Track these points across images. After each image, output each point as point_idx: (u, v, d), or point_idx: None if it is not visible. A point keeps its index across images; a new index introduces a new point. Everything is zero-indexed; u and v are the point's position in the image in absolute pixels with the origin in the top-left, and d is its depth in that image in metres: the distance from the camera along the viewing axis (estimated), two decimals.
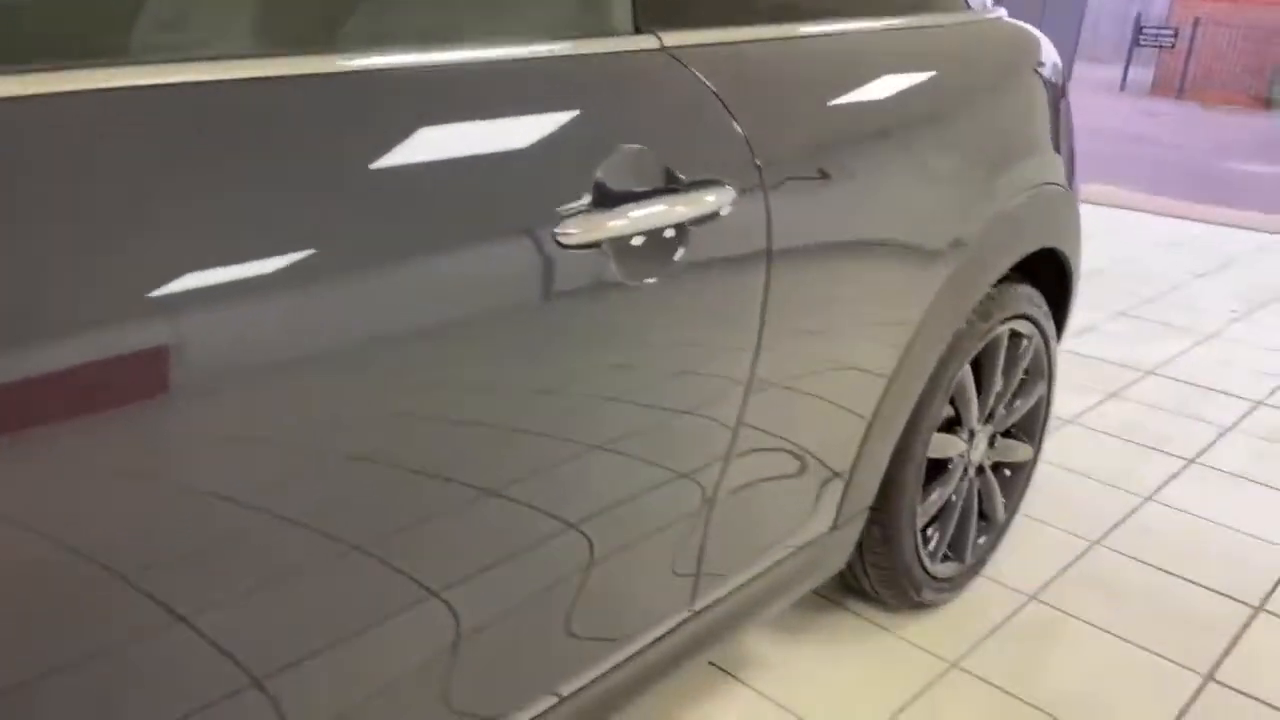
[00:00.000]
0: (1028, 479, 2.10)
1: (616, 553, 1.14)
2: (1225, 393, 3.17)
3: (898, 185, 1.37)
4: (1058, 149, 1.88)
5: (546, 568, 1.06)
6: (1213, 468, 2.64)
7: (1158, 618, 1.97)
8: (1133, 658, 1.85)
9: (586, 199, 0.97)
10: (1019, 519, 2.27)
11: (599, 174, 0.98)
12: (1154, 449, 2.73)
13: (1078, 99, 12.32)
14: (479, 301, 0.88)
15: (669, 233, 1.04)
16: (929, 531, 1.86)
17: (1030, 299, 1.84)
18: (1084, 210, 5.94)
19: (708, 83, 1.13)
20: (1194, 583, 2.10)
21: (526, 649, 1.09)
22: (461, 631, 0.99)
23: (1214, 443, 2.79)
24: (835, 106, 1.29)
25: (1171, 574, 2.13)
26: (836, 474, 1.49)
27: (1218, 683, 1.80)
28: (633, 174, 1.01)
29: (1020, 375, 1.92)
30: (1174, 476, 2.57)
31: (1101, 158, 8.41)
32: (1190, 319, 3.92)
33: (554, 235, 0.93)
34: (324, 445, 0.80)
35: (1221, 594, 2.07)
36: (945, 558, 1.92)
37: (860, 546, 1.73)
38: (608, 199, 0.99)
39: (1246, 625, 1.97)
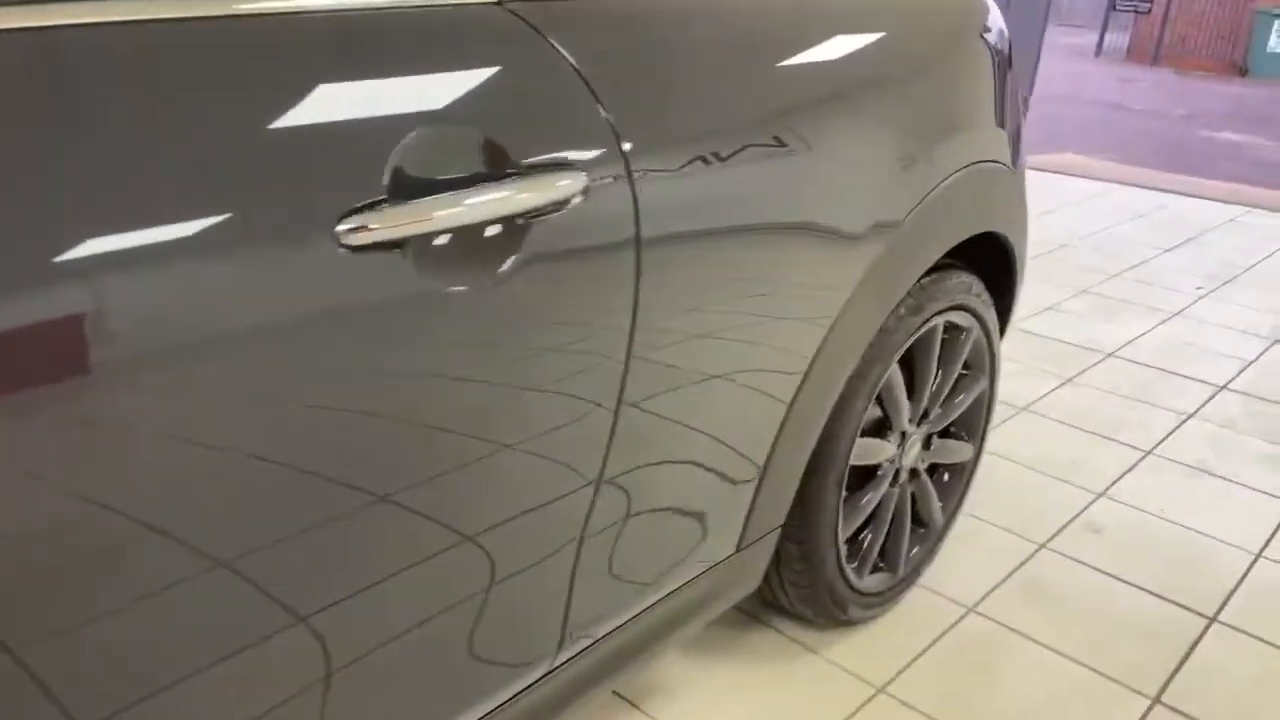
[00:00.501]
0: (968, 480, 1.94)
1: (462, 600, 0.97)
2: (1187, 377, 3.02)
3: (806, 166, 1.19)
4: (1002, 124, 1.70)
5: (376, 619, 0.88)
6: (1170, 459, 2.50)
7: (1104, 631, 1.83)
8: (1075, 678, 1.71)
9: (382, 189, 0.78)
10: (960, 519, 2.11)
11: (399, 158, 0.79)
12: (1109, 439, 2.58)
13: (1052, 65, 12.13)
14: (236, 320, 0.70)
15: (495, 229, 0.86)
16: (856, 544, 1.70)
17: (968, 287, 1.67)
18: (1051, 181, 5.81)
19: (558, 47, 0.94)
20: (1144, 590, 1.96)
21: (375, 702, 0.92)
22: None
23: (1173, 432, 2.65)
24: (727, 76, 1.11)
25: (1121, 580, 1.98)
26: (737, 492, 1.32)
27: (1166, 706, 1.66)
28: (447, 157, 0.83)
29: (958, 370, 1.75)
30: (1128, 470, 2.42)
31: (1074, 124, 8.24)
32: (1155, 297, 3.77)
33: (334, 235, 0.75)
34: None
35: (1173, 602, 1.93)
36: (877, 569, 1.76)
37: (778, 562, 1.56)
38: (411, 188, 0.80)
39: (1199, 639, 1.83)
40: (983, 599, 1.89)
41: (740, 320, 1.16)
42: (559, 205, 0.90)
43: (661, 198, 1.00)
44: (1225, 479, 2.42)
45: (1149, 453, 2.52)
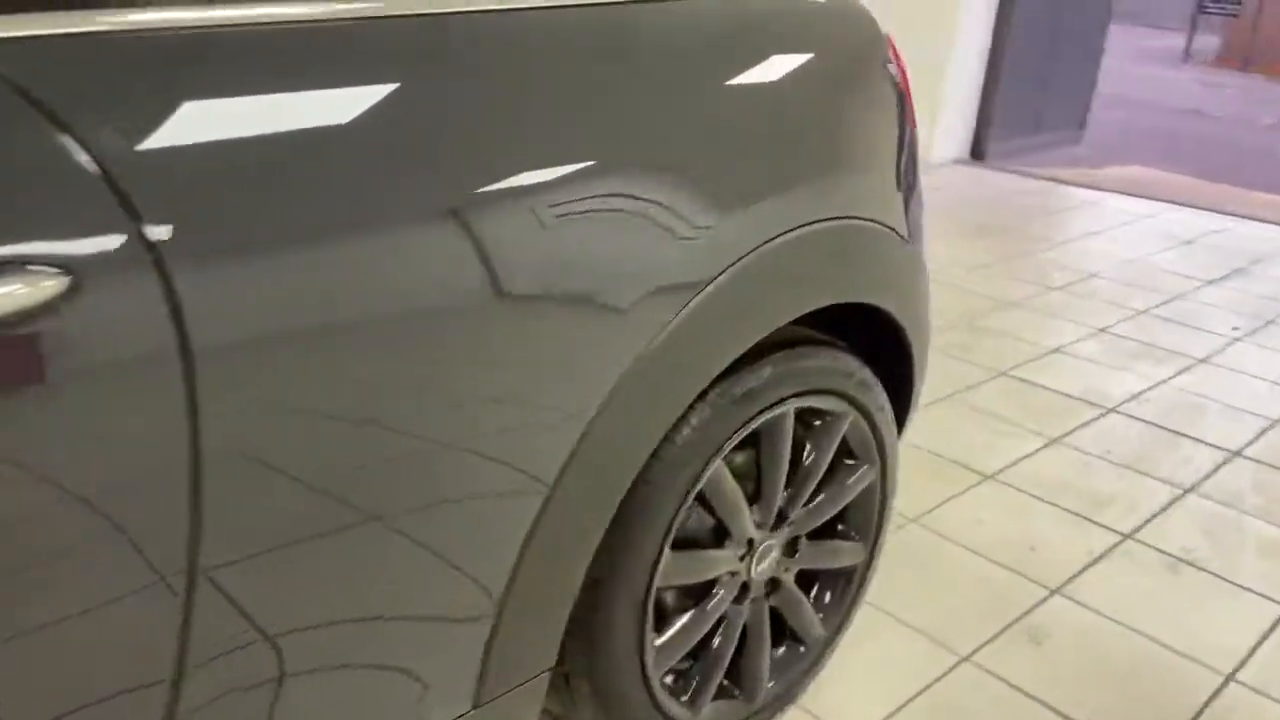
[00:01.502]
0: (860, 586, 1.64)
1: None
2: (1196, 439, 2.64)
3: (523, 222, 0.93)
4: (897, 183, 1.42)
5: None
6: (1151, 546, 2.14)
7: None
8: None
9: None
10: (870, 616, 1.81)
11: None
12: (1083, 518, 2.23)
13: (1132, 68, 11.47)
14: None
15: None
16: (687, 673, 1.42)
17: (838, 368, 1.38)
18: (1099, 200, 5.34)
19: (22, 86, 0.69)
20: None
21: None
22: None
23: (1162, 510, 2.28)
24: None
25: (1052, 709, 1.66)
26: (459, 632, 1.05)
27: None
28: None
29: (824, 464, 1.46)
30: (1097, 559, 2.08)
31: (1144, 132, 7.69)
32: (1182, 339, 3.36)
33: None
34: None
35: None
36: (729, 695, 1.47)
37: (573, 704, 1.30)
38: None
39: None
40: None
41: (418, 427, 0.90)
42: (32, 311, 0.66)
43: (224, 289, 0.75)
44: (1213, 574, 2.06)
45: (1127, 537, 2.17)
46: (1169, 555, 2.11)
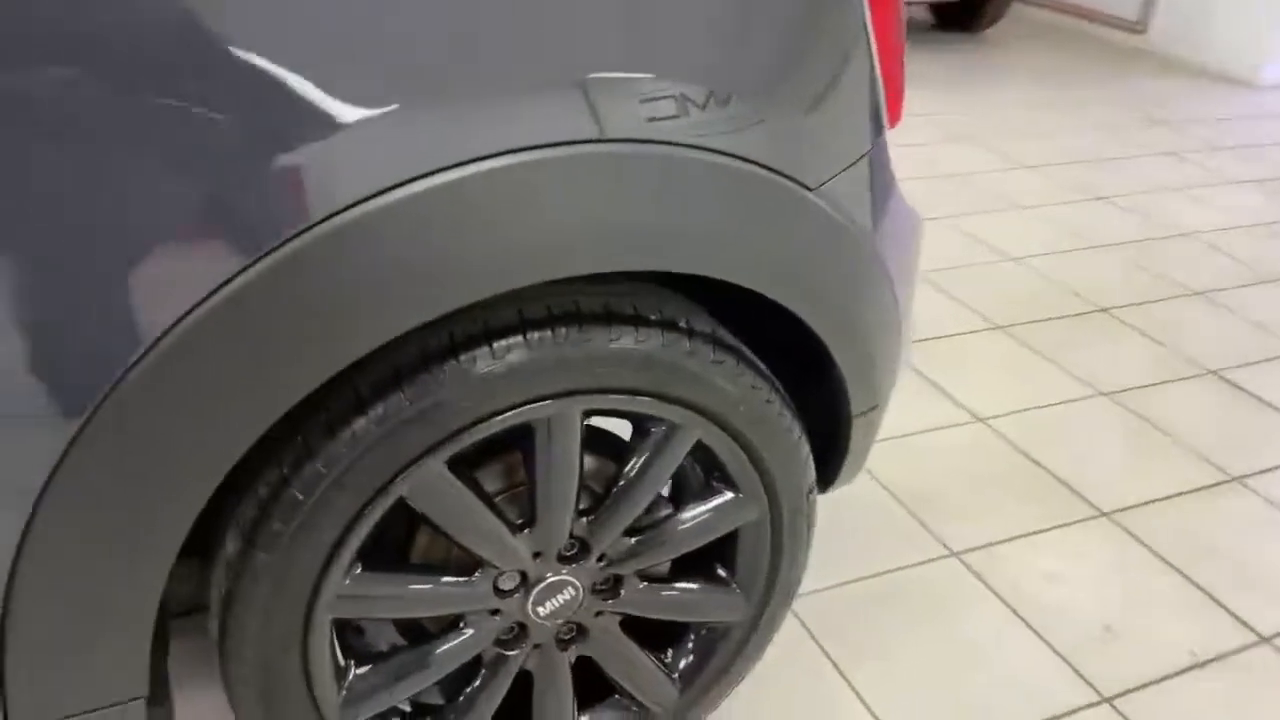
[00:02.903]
0: (739, 653, 1.21)
1: None
2: None
3: None
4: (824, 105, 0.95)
5: None
6: None
7: None
8: None
9: None
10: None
11: None
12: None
13: None
14: None
15: None
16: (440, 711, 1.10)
17: (669, 362, 0.96)
18: None
19: None
20: None
21: None
22: None
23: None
24: None
25: None
26: None
27: None
28: None
29: (653, 486, 1.04)
30: None
31: None
32: None
33: None
34: None
35: None
36: None
37: None
38: None
39: None
40: None
41: None
42: None
43: None
44: None
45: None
46: None
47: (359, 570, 0.94)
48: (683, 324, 0.98)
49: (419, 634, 1.07)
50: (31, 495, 0.75)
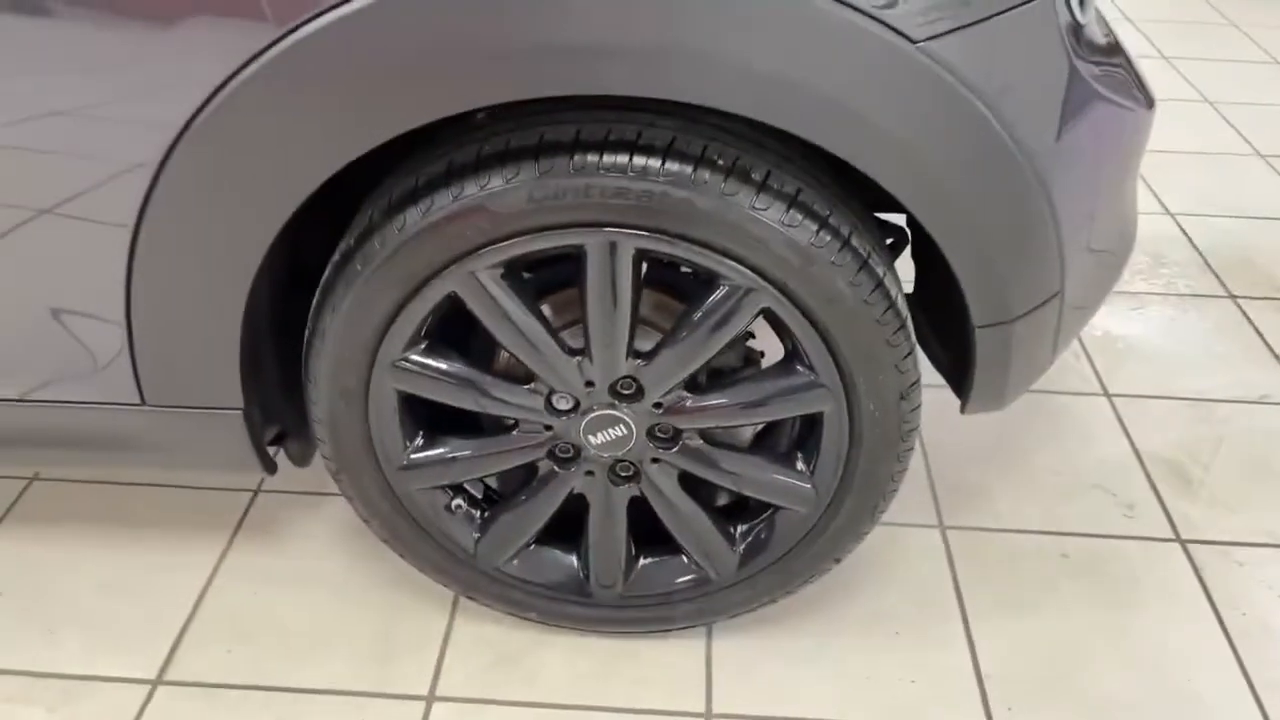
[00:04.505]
0: (795, 547, 1.15)
1: None
2: None
3: None
4: None
5: None
6: None
7: None
8: None
9: None
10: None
11: None
12: None
13: None
14: None
15: None
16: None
17: (718, 217, 0.92)
18: None
19: None
20: None
21: None
22: None
23: None
24: None
25: None
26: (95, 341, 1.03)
27: None
28: None
29: (714, 345, 1.01)
30: None
31: None
32: None
33: None
34: None
35: None
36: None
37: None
38: None
39: None
40: None
41: None
42: None
43: None
44: None
45: None
46: None
47: (423, 346, 1.04)
48: (755, 176, 0.92)
49: (480, 429, 1.16)
50: (135, 209, 0.93)
